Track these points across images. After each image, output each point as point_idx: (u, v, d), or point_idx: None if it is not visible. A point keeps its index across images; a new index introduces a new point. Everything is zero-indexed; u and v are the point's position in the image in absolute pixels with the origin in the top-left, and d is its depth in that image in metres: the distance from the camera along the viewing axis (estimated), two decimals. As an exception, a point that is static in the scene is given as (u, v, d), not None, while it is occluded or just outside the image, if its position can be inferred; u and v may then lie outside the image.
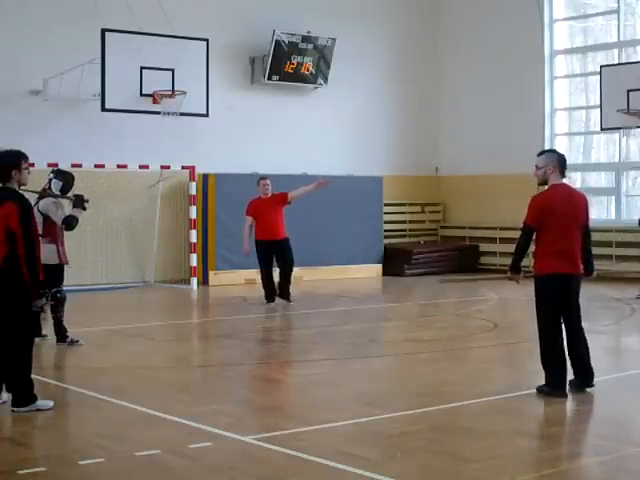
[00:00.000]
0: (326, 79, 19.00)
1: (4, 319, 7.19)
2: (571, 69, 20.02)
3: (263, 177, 14.24)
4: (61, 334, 10.32)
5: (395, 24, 20.43)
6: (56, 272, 10.09)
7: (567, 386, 7.65)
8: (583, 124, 19.97)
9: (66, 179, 10.41)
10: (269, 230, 13.70)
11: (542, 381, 7.71)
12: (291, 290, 13.91)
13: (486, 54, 20.16)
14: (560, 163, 7.71)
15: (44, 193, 10.15)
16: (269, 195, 13.92)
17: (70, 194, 10.35)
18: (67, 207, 10.28)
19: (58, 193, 10.22)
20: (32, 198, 8.99)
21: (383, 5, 20.27)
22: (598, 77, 17.33)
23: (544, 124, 19.45)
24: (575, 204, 7.69)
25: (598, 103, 17.34)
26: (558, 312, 7.65)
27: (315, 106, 19.23)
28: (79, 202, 10.15)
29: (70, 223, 10.04)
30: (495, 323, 12.01)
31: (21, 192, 7.40)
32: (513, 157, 19.51)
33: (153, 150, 16.65)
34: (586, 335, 7.79)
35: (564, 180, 7.79)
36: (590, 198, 8.08)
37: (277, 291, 13.86)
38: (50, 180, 10.36)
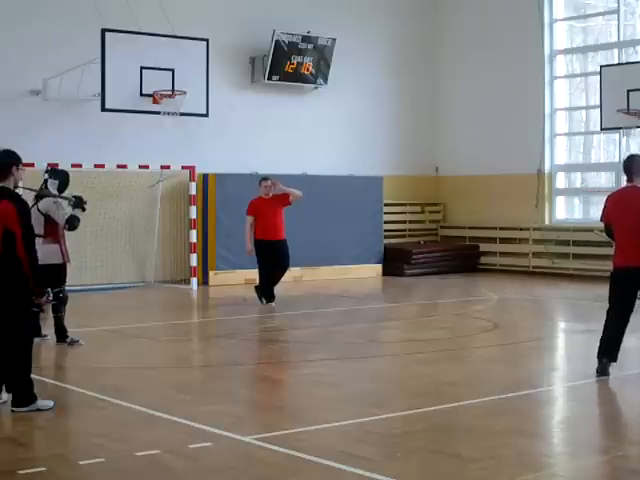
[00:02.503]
0: (326, 79, 18.99)
1: (3, 319, 7.19)
2: (571, 69, 20.01)
3: (265, 178, 14.23)
4: (61, 334, 10.32)
5: (395, 24, 20.42)
6: (59, 271, 10.11)
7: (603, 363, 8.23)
8: (583, 124, 19.95)
9: (62, 178, 10.44)
10: (269, 230, 13.70)
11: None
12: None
13: (486, 54, 20.14)
14: (624, 168, 8.53)
15: (42, 193, 10.16)
16: (270, 195, 13.93)
17: (67, 193, 10.37)
18: (65, 207, 10.29)
19: (56, 192, 10.24)
20: (29, 197, 9.00)
21: (383, 5, 20.25)
22: (598, 77, 17.31)
23: (544, 124, 19.44)
24: (634, 202, 8.20)
25: (598, 103, 17.32)
26: (615, 300, 8.28)
27: (315, 106, 19.23)
28: (79, 203, 10.22)
29: (73, 223, 10.15)
30: (495, 323, 12.01)
31: (17, 192, 7.40)
32: (513, 157, 19.54)
33: (153, 150, 16.64)
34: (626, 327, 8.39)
35: (635, 182, 8.38)
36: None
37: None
38: (46, 180, 10.36)
